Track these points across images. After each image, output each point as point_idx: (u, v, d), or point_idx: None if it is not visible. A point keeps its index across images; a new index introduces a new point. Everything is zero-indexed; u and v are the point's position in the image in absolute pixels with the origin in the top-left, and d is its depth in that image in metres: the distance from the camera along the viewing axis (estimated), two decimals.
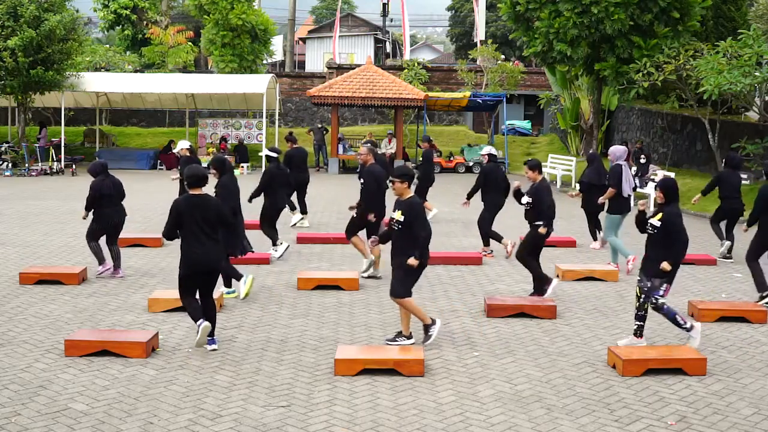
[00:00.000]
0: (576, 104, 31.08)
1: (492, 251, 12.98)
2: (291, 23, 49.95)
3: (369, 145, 11.83)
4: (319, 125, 31.99)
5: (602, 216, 12.95)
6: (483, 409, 6.32)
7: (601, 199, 12.25)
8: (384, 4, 48.21)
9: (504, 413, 6.25)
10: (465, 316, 9.19)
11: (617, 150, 12.34)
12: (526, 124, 40.53)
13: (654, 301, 7.78)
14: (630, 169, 12.80)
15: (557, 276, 11.37)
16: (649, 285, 7.80)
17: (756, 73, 18.77)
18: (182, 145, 14.14)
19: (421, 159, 16.54)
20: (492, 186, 12.81)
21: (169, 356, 7.52)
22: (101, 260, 11.03)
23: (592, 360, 7.63)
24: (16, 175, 26.64)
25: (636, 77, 20.80)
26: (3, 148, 28.21)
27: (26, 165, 27.29)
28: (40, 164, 27.60)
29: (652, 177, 20.60)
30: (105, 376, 6.95)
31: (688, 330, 7.88)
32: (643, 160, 20.94)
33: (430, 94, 31.16)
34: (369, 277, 11.01)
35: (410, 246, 7.69)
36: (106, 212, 10.98)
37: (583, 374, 7.21)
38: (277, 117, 32.61)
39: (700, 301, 9.65)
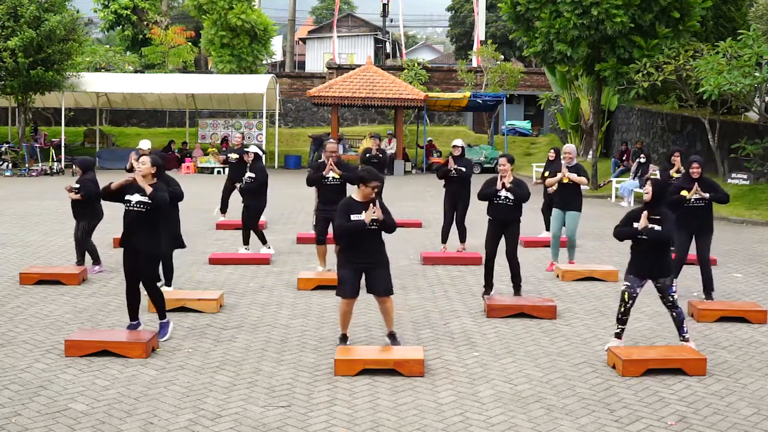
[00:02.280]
0: (576, 104, 31.08)
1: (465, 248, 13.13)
2: (291, 23, 49.97)
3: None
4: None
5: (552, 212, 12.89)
6: (483, 409, 6.32)
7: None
8: (384, 5, 48.24)
9: (504, 413, 6.25)
10: (465, 316, 9.19)
11: (574, 148, 12.03)
12: (526, 125, 40.55)
13: (671, 298, 7.75)
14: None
15: (557, 276, 11.38)
16: (639, 291, 7.81)
17: (756, 74, 18.78)
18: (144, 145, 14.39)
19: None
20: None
21: (169, 356, 7.52)
22: (98, 260, 11.23)
23: (592, 360, 7.63)
24: (16, 175, 26.66)
25: (636, 77, 20.80)
26: (3, 149, 28.23)
27: (26, 165, 27.31)
28: (40, 164, 27.62)
29: (651, 177, 20.57)
30: (105, 376, 6.95)
31: (684, 339, 7.86)
32: (642, 160, 20.93)
33: (430, 94, 31.19)
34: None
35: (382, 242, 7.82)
36: (100, 208, 11.15)
37: (583, 374, 7.21)
38: (277, 117, 32.64)
39: (700, 301, 9.65)
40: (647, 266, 7.73)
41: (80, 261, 11.19)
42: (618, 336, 7.94)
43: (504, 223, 9.88)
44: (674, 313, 7.78)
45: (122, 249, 7.93)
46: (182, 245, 10.06)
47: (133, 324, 8.03)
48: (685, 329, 7.83)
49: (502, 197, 9.83)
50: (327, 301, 9.74)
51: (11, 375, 6.93)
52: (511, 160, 9.97)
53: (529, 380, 7.02)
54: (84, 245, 11.14)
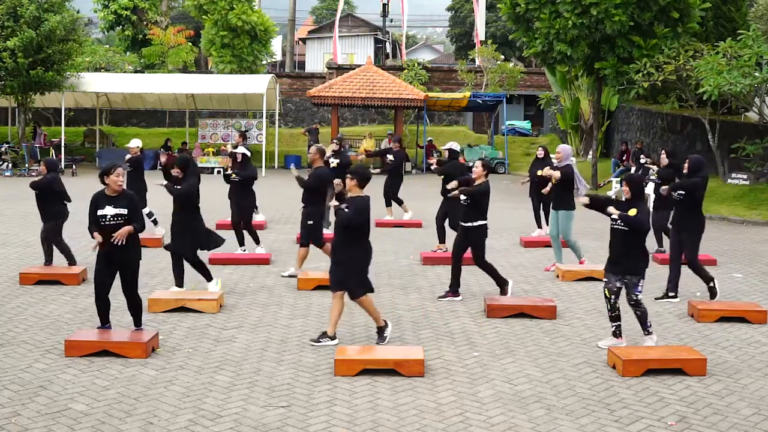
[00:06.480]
0: (576, 104, 31.08)
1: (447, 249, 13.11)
2: (291, 23, 50.00)
3: (319, 146, 11.80)
4: (315, 126, 31.92)
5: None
6: (483, 409, 6.32)
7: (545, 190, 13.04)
8: (384, 5, 48.23)
9: (504, 413, 6.25)
10: (465, 316, 9.19)
11: (568, 148, 12.05)
12: (526, 125, 40.53)
13: (635, 297, 7.86)
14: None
15: (557, 276, 11.38)
16: (618, 285, 7.89)
17: (756, 74, 18.78)
18: (135, 144, 14.36)
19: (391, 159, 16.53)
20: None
21: (169, 356, 7.52)
22: (73, 260, 11.22)
23: (592, 360, 7.63)
24: (16, 175, 26.64)
25: (636, 77, 20.80)
26: (3, 149, 28.22)
27: (26, 165, 27.30)
28: (40, 164, 27.60)
29: (651, 177, 20.57)
30: (105, 376, 6.95)
31: (649, 333, 7.97)
32: (643, 160, 20.93)
33: (430, 94, 31.18)
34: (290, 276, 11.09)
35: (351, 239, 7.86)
36: (60, 209, 11.19)
37: (583, 374, 7.21)
38: (277, 117, 32.62)
39: (701, 301, 9.65)
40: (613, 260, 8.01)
41: (48, 261, 11.24)
42: (615, 335, 8.03)
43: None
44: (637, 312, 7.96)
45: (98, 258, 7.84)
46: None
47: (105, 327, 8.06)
48: (649, 323, 7.99)
49: (462, 200, 10.01)
50: (327, 301, 9.72)
51: (11, 375, 6.93)
52: (485, 166, 9.96)
53: (529, 380, 7.02)
54: (58, 246, 11.22)
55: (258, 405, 6.35)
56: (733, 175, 20.93)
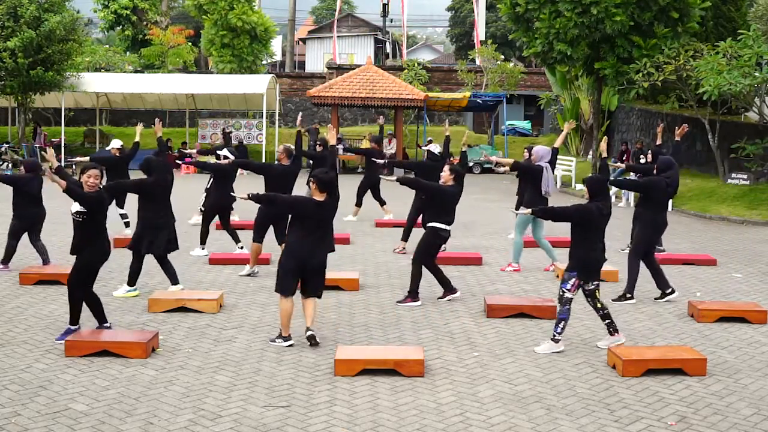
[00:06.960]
0: (576, 104, 31.07)
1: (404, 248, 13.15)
2: (291, 23, 50.03)
3: (287, 145, 11.84)
4: (315, 126, 31.96)
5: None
6: (483, 410, 6.32)
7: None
8: (384, 5, 48.25)
9: (504, 413, 6.25)
10: (465, 316, 9.19)
11: (541, 150, 12.09)
12: (526, 125, 40.53)
13: (559, 292, 7.90)
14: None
15: (556, 276, 11.37)
16: (592, 286, 7.91)
17: (756, 74, 18.78)
18: (114, 145, 14.30)
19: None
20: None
21: (169, 356, 7.52)
22: (7, 261, 11.26)
23: (592, 360, 7.63)
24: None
25: (636, 77, 20.80)
26: (3, 149, 28.23)
27: None
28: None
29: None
30: (105, 376, 6.95)
31: (554, 341, 7.85)
32: (643, 160, 20.93)
33: (430, 94, 31.17)
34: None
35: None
36: (33, 211, 11.24)
37: (583, 374, 7.21)
38: (277, 117, 32.63)
39: (701, 301, 9.65)
40: None
41: (46, 260, 11.35)
42: (610, 332, 8.05)
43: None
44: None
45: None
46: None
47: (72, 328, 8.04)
48: (557, 329, 7.87)
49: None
50: (327, 301, 9.72)
51: (11, 375, 6.93)
52: (452, 170, 9.82)
53: (529, 380, 7.02)
54: (8, 243, 11.25)
55: (258, 405, 6.35)
56: (733, 175, 20.93)
